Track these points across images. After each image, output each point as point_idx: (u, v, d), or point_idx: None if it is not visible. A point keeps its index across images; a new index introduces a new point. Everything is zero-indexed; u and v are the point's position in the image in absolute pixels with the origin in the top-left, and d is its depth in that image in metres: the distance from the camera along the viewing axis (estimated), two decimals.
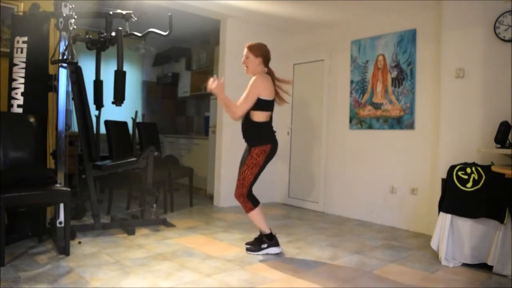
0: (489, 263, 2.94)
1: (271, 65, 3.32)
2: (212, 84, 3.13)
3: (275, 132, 3.27)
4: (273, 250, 3.23)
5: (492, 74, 3.51)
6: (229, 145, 5.23)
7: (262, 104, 3.12)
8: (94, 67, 3.94)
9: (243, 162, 3.23)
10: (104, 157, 4.20)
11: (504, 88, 3.41)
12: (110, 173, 4.15)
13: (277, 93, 3.26)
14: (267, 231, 3.25)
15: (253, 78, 3.15)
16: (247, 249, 3.27)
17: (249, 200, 3.17)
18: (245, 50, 3.22)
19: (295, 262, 3.08)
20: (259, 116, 3.16)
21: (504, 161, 3.29)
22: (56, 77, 3.40)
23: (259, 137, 3.18)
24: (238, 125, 5.28)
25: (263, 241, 3.24)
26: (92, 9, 3.79)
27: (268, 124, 3.21)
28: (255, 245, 3.26)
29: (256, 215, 3.20)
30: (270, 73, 3.25)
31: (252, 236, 3.64)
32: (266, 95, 3.12)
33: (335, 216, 4.96)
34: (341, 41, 5.09)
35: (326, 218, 4.79)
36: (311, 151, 5.42)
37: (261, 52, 3.20)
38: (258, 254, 3.20)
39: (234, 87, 5.21)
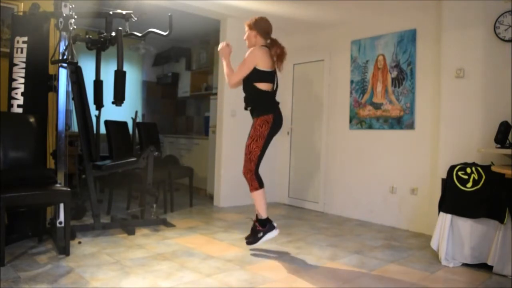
0: (489, 263, 2.94)
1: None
2: (222, 46, 3.29)
3: (278, 103, 3.27)
4: (270, 234, 3.20)
5: (492, 74, 3.51)
6: (229, 145, 5.23)
7: (261, 75, 3.15)
8: (94, 67, 3.94)
9: (248, 137, 3.21)
10: (104, 157, 4.20)
11: (504, 88, 3.41)
12: (110, 173, 4.15)
13: (277, 59, 3.26)
14: (264, 216, 3.20)
15: (250, 49, 3.21)
16: (247, 243, 3.27)
17: (256, 178, 3.15)
18: (245, 26, 3.31)
19: (295, 262, 3.08)
20: (261, 86, 3.17)
21: (504, 161, 3.29)
22: (56, 77, 3.40)
23: (260, 105, 3.17)
24: (238, 125, 5.31)
25: (257, 231, 3.21)
26: (92, 9, 3.79)
27: (270, 94, 3.21)
28: (252, 237, 3.25)
29: (259, 196, 3.16)
30: (272, 42, 3.26)
31: None
32: (263, 66, 3.14)
33: (335, 216, 4.96)
34: (341, 41, 5.09)
35: (326, 218, 4.79)
36: (311, 151, 5.42)
37: (256, 25, 3.24)
38: (258, 244, 3.20)
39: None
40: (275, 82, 3.25)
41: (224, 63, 3.28)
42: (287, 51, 3.30)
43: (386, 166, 4.54)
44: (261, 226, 3.21)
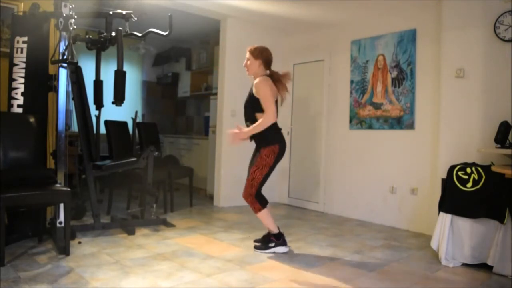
0: (489, 263, 2.94)
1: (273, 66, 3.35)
2: (230, 140, 3.25)
3: (280, 129, 3.31)
4: (281, 249, 3.27)
5: (492, 74, 3.51)
6: (229, 145, 5.23)
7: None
8: (94, 67, 3.94)
9: (252, 163, 3.27)
10: (104, 157, 4.20)
11: (504, 88, 3.41)
12: (110, 173, 4.15)
13: (280, 91, 3.28)
14: (275, 231, 3.29)
15: (256, 81, 3.20)
16: (255, 247, 3.31)
17: (257, 200, 3.22)
18: (247, 53, 3.31)
19: (295, 262, 3.08)
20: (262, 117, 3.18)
21: (504, 161, 3.29)
22: (56, 77, 3.40)
23: (267, 136, 3.20)
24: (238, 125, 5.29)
25: (270, 240, 3.28)
26: (92, 9, 3.79)
27: (273, 124, 3.22)
28: (263, 244, 3.30)
29: (264, 215, 3.25)
30: (272, 74, 3.28)
31: (252, 236, 3.65)
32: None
33: (335, 216, 4.96)
34: (341, 41, 5.09)
35: (326, 218, 4.79)
36: (311, 151, 5.42)
37: (261, 55, 3.26)
38: (265, 253, 3.24)
39: (234, 87, 5.22)
40: (277, 110, 3.27)
41: (249, 131, 3.16)
42: (288, 80, 3.31)
43: (386, 166, 4.54)
44: (275, 238, 3.29)
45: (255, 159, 3.26)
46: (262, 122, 3.14)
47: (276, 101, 3.27)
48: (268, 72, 3.30)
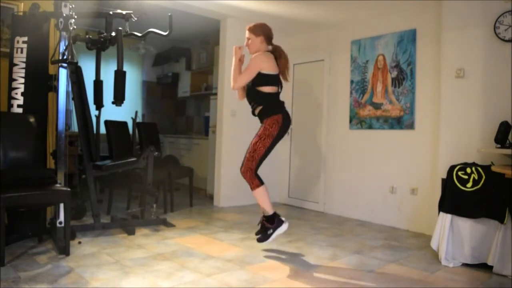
0: (489, 263, 2.94)
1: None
2: (236, 48, 3.28)
3: (284, 102, 3.26)
4: (280, 229, 3.15)
5: (492, 74, 3.51)
6: (229, 145, 5.23)
7: (266, 78, 3.13)
8: (94, 67, 3.94)
9: (255, 135, 3.17)
10: (104, 157, 4.20)
11: (504, 88, 3.41)
12: (110, 173, 4.15)
13: (281, 68, 3.25)
14: (271, 212, 3.15)
15: (254, 55, 3.20)
16: (258, 240, 3.20)
17: (256, 176, 3.10)
18: (246, 32, 3.26)
19: (295, 262, 3.08)
20: (266, 89, 3.17)
21: (504, 161, 3.29)
22: (56, 77, 3.40)
23: (269, 105, 3.16)
24: (238, 125, 5.31)
25: (267, 228, 3.16)
26: (92, 9, 3.79)
27: (275, 95, 3.20)
28: (263, 234, 3.19)
29: (262, 192, 3.11)
30: (275, 49, 3.25)
31: (252, 236, 3.64)
32: (268, 69, 3.13)
33: (335, 216, 4.96)
34: (341, 41, 5.09)
35: (326, 218, 4.79)
36: (311, 151, 5.42)
37: (262, 30, 3.22)
38: (270, 241, 3.16)
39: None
40: (280, 84, 3.25)
41: (233, 64, 3.23)
42: (288, 59, 3.31)
43: (386, 166, 4.54)
44: (269, 223, 3.16)
45: (258, 131, 3.16)
46: (234, 76, 3.18)
47: (277, 76, 3.21)
48: (270, 47, 3.26)
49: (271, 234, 3.15)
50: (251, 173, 3.09)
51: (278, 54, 3.24)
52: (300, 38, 5.65)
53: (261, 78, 3.14)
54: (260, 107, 3.20)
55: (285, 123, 3.16)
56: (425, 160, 4.19)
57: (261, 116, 3.21)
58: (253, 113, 3.27)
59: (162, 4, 4.55)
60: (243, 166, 3.12)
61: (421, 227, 4.15)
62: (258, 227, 3.30)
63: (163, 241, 3.51)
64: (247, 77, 3.15)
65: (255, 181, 3.10)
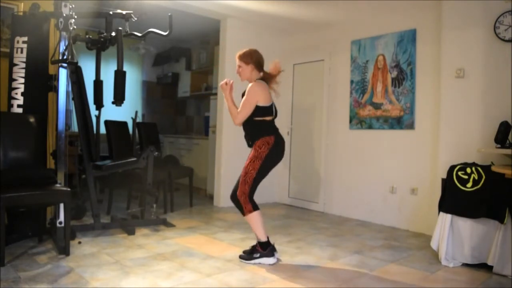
0: (489, 263, 2.94)
1: (268, 66, 3.28)
2: (222, 84, 3.18)
3: (277, 128, 3.19)
4: (267, 260, 3.01)
5: (492, 74, 3.51)
6: (229, 145, 5.23)
7: (261, 111, 3.07)
8: (94, 67, 3.94)
9: (246, 159, 3.11)
10: (104, 157, 4.20)
11: (504, 88, 3.41)
12: (110, 173, 4.15)
13: (271, 87, 3.20)
14: (263, 239, 3.04)
15: (249, 85, 3.10)
16: (240, 256, 3.12)
17: (250, 201, 3.04)
18: (237, 60, 3.18)
19: (295, 262, 3.08)
20: (261, 119, 3.10)
21: (504, 161, 3.29)
22: (56, 77, 3.40)
23: (261, 130, 3.08)
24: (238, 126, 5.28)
25: (255, 250, 3.06)
26: (92, 9, 3.79)
27: (269, 122, 3.14)
28: (248, 254, 3.10)
29: (254, 218, 3.03)
30: (265, 76, 3.18)
31: (252, 236, 3.62)
32: (264, 102, 3.06)
33: (335, 216, 4.96)
34: (341, 41, 5.09)
35: (326, 218, 4.79)
36: (311, 151, 5.42)
37: (251, 58, 3.13)
38: (248, 263, 3.02)
39: (234, 87, 5.21)
40: (274, 113, 3.18)
41: (227, 103, 3.15)
42: (280, 67, 3.23)
43: (386, 166, 4.54)
44: (261, 248, 3.05)
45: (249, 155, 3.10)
46: (232, 113, 3.08)
47: (271, 107, 3.14)
48: (261, 74, 3.18)
49: (256, 258, 3.03)
50: (245, 197, 3.03)
51: (268, 78, 3.18)
52: (300, 38, 5.65)
53: (257, 111, 3.06)
54: (252, 134, 3.12)
55: (277, 146, 3.05)
56: (425, 160, 4.19)
57: (253, 141, 3.12)
58: (248, 145, 3.18)
59: (162, 4, 4.55)
60: (238, 190, 3.06)
61: (421, 227, 4.15)
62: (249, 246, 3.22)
63: (163, 241, 3.51)
64: (247, 112, 3.05)
65: (248, 206, 3.02)
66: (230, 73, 5.20)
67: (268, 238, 3.09)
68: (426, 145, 4.20)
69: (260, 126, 3.10)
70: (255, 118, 3.08)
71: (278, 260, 3.09)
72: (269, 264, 3.00)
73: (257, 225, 3.04)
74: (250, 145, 3.16)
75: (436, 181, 3.89)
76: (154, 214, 4.05)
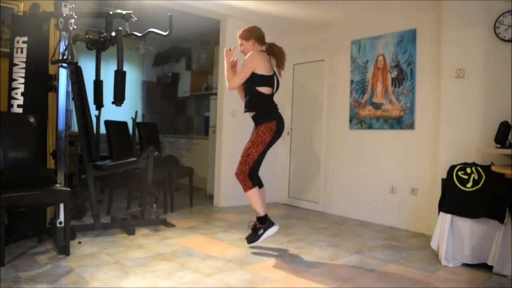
0: (489, 263, 2.94)
1: None
2: (226, 49, 3.31)
3: (277, 106, 3.30)
4: (270, 231, 3.24)
5: (492, 74, 3.51)
6: (229, 145, 5.23)
7: (261, 79, 3.17)
8: (94, 67, 3.94)
9: (249, 140, 3.25)
10: (104, 157, 4.20)
11: (504, 88, 3.41)
12: (110, 173, 4.15)
13: (277, 65, 3.29)
14: (262, 213, 3.23)
15: (247, 55, 3.23)
16: (248, 242, 3.29)
17: (249, 178, 3.17)
18: (238, 39, 3.32)
19: (295, 262, 3.08)
20: (260, 89, 3.20)
21: (504, 161, 3.29)
22: (56, 77, 3.40)
23: (262, 111, 3.21)
24: (238, 125, 5.31)
25: (257, 228, 3.24)
26: (92, 9, 3.79)
27: (269, 97, 3.23)
28: (252, 235, 3.27)
29: (254, 194, 3.19)
30: (269, 47, 3.29)
31: None
32: (262, 70, 3.17)
33: (335, 216, 4.96)
34: (341, 41, 5.09)
35: (326, 218, 4.79)
36: (311, 151, 5.42)
37: (251, 34, 3.27)
38: (259, 242, 3.22)
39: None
40: (275, 85, 3.27)
41: (225, 67, 3.30)
42: (284, 51, 3.32)
43: (386, 166, 4.54)
44: (260, 223, 3.24)
45: (251, 136, 3.25)
46: (228, 77, 3.22)
47: (272, 77, 3.24)
48: (264, 47, 3.30)
49: (262, 234, 3.23)
50: (244, 176, 3.17)
51: (272, 51, 3.27)
52: (300, 38, 5.65)
53: (256, 78, 3.17)
54: (253, 113, 3.25)
55: (278, 129, 3.22)
56: (425, 160, 4.19)
57: (255, 122, 3.28)
58: (245, 111, 3.32)
59: (162, 4, 4.55)
60: (237, 168, 3.22)
61: (421, 227, 4.15)
62: (249, 231, 3.34)
63: (163, 241, 3.51)
64: (242, 77, 3.19)
65: (247, 183, 3.18)
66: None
67: (266, 213, 3.28)
68: (426, 145, 4.20)
69: (261, 104, 3.20)
70: (256, 87, 3.17)
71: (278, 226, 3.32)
72: (275, 232, 3.26)
73: (256, 200, 3.22)
74: (246, 112, 3.30)
75: (436, 181, 3.89)
76: (154, 214, 4.05)
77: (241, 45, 3.30)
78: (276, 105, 3.30)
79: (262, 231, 3.23)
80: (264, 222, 3.24)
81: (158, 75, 7.66)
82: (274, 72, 3.28)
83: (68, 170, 3.44)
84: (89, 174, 3.72)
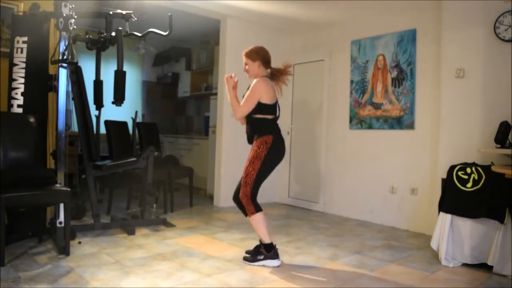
0: (489, 263, 2.94)
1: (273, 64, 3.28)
2: (227, 77, 3.17)
3: (279, 129, 3.15)
4: (271, 262, 2.99)
5: (492, 74, 3.51)
6: (229, 145, 5.23)
7: (264, 108, 3.05)
8: (94, 67, 3.94)
9: (246, 161, 3.09)
10: (104, 157, 4.20)
11: (504, 88, 3.41)
12: (110, 173, 4.15)
13: (277, 85, 3.18)
14: (267, 241, 3.01)
15: (254, 81, 3.09)
16: (244, 258, 3.10)
17: (252, 202, 2.99)
18: (243, 57, 3.17)
19: (295, 262, 3.08)
20: (263, 117, 3.08)
21: (504, 161, 3.29)
22: (56, 77, 3.40)
23: (260, 128, 3.05)
24: (238, 125, 5.29)
25: (259, 252, 3.04)
26: (92, 9, 3.79)
27: (271, 120, 3.11)
28: (252, 255, 3.08)
29: (257, 220, 2.98)
30: (273, 73, 3.18)
31: (252, 236, 3.64)
32: (267, 99, 3.04)
33: (335, 216, 4.96)
34: (341, 41, 5.09)
35: (326, 218, 4.79)
36: (311, 151, 5.42)
37: (258, 55, 3.12)
38: (252, 265, 3.01)
39: (238, 86, 5.21)
40: (277, 112, 3.16)
41: (229, 96, 3.15)
42: (289, 73, 3.22)
43: (386, 166, 4.54)
44: (265, 250, 3.03)
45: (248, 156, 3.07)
46: (234, 108, 3.09)
47: (275, 106, 3.13)
48: (269, 71, 3.19)
49: (260, 260, 3.02)
50: (247, 199, 2.98)
51: (275, 75, 3.16)
52: (300, 38, 5.65)
53: (259, 107, 3.04)
54: (252, 132, 3.10)
55: (275, 145, 3.01)
56: (425, 160, 4.19)
57: (252, 139, 3.11)
58: (249, 142, 3.17)
59: (162, 4, 4.55)
60: (240, 192, 3.02)
61: (421, 227, 4.15)
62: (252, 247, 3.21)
63: (163, 241, 3.51)
64: (249, 107, 3.04)
65: (250, 207, 2.98)
66: (230, 73, 5.20)
67: (272, 241, 3.05)
68: (426, 145, 4.20)
69: (261, 125, 3.08)
70: (257, 115, 3.07)
71: (282, 262, 3.06)
72: (274, 267, 2.97)
73: (260, 227, 3.00)
74: (249, 142, 3.16)
75: (436, 181, 3.88)
76: (154, 214, 4.05)
77: (246, 64, 3.14)
78: (278, 128, 3.14)
79: (262, 257, 3.01)
80: (269, 251, 3.01)
81: (158, 75, 7.66)
82: (277, 101, 3.16)
83: (68, 170, 3.44)
84: (89, 174, 3.72)
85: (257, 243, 3.13)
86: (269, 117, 3.10)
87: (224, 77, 3.21)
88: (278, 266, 2.99)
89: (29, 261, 2.83)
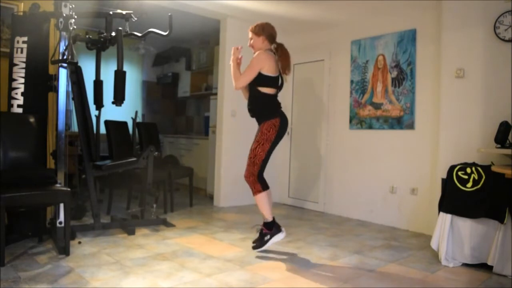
0: (489, 263, 2.94)
1: None
2: (234, 49, 3.27)
3: (280, 104, 3.28)
4: (277, 237, 3.20)
5: (492, 74, 3.51)
6: (229, 145, 5.23)
7: (266, 80, 3.14)
8: (94, 67, 3.94)
9: (254, 141, 3.22)
10: (104, 157, 4.20)
11: (504, 88, 3.41)
12: (110, 173, 4.15)
13: (283, 67, 3.24)
14: (270, 219, 3.19)
15: (256, 53, 3.20)
16: (253, 247, 3.24)
17: (259, 181, 3.12)
18: (249, 33, 3.28)
19: (295, 262, 3.08)
20: (264, 90, 3.19)
21: (504, 161, 3.29)
22: (56, 77, 3.40)
23: (265, 110, 3.18)
24: (238, 125, 5.31)
25: (264, 234, 3.20)
26: (92, 9, 3.79)
27: (272, 97, 3.21)
28: (259, 241, 3.23)
29: (263, 198, 3.13)
30: (278, 48, 3.26)
31: (252, 236, 3.63)
32: (268, 71, 3.14)
33: (335, 216, 4.96)
34: (341, 41, 5.09)
35: (326, 218, 4.79)
36: (311, 151, 5.42)
37: (263, 30, 3.24)
38: (265, 248, 3.18)
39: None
40: (279, 86, 3.26)
41: (232, 65, 3.26)
42: (290, 55, 3.30)
43: (386, 166, 4.54)
44: (267, 229, 3.20)
45: (256, 136, 3.21)
46: (235, 77, 3.19)
47: (277, 79, 3.21)
48: (273, 46, 3.27)
49: (268, 240, 3.20)
50: (254, 178, 3.13)
51: (281, 53, 3.24)
52: (300, 38, 5.65)
53: (261, 79, 3.14)
54: (257, 111, 3.23)
55: (282, 125, 3.19)
56: (425, 160, 4.19)
57: (258, 120, 3.25)
58: (251, 115, 3.30)
59: (162, 4, 4.55)
60: (246, 171, 3.17)
61: (421, 227, 4.15)
62: (257, 235, 3.31)
63: (163, 241, 3.51)
64: (249, 77, 3.16)
65: (257, 185, 3.13)
66: (230, 73, 5.20)
67: (273, 218, 3.23)
68: (426, 145, 4.20)
69: (265, 104, 3.17)
70: (259, 87, 3.14)
71: (285, 232, 3.28)
72: (282, 239, 3.22)
73: (264, 205, 3.16)
74: (252, 116, 3.28)
75: (436, 181, 3.89)
76: (154, 214, 4.05)
77: (251, 39, 3.26)
78: (279, 103, 3.28)
79: (268, 237, 3.19)
80: (271, 228, 3.20)
81: (158, 75, 7.66)
82: (280, 72, 3.25)
83: (68, 170, 3.44)
84: (89, 174, 3.71)
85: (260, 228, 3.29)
86: (272, 92, 3.18)
87: (232, 48, 3.30)
88: (283, 237, 3.26)
89: (29, 261, 2.83)
